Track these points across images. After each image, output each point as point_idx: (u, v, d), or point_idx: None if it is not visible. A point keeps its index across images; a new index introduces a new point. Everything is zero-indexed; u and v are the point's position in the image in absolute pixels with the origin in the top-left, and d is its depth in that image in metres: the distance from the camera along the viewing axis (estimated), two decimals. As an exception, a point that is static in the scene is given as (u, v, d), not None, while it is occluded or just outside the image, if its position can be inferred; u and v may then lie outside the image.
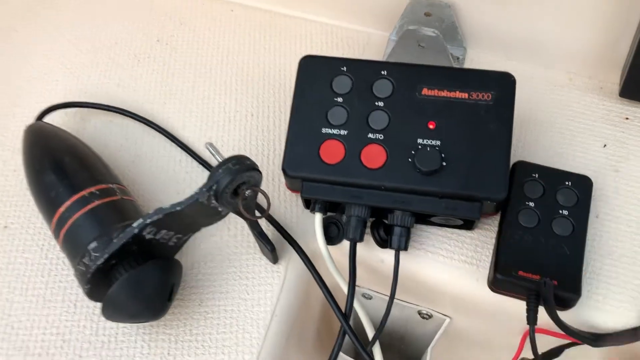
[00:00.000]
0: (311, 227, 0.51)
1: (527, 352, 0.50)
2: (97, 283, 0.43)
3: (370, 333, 0.49)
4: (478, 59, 0.60)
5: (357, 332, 0.45)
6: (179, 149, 0.56)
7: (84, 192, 0.46)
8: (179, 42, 0.64)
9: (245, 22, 0.65)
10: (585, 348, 0.47)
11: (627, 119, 0.55)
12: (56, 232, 0.46)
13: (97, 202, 0.46)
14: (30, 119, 0.59)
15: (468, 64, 0.59)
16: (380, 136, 0.47)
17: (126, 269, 0.43)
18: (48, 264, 0.51)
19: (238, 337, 0.47)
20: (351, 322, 0.46)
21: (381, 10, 0.60)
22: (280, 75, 0.61)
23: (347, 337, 0.46)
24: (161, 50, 0.63)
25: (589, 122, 0.55)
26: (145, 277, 0.43)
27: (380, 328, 0.48)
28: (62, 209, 0.46)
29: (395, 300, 0.56)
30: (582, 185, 0.48)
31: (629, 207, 0.50)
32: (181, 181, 0.55)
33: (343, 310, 0.46)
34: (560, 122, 0.55)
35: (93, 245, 0.44)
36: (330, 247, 0.48)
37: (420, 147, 0.46)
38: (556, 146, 0.54)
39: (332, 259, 0.48)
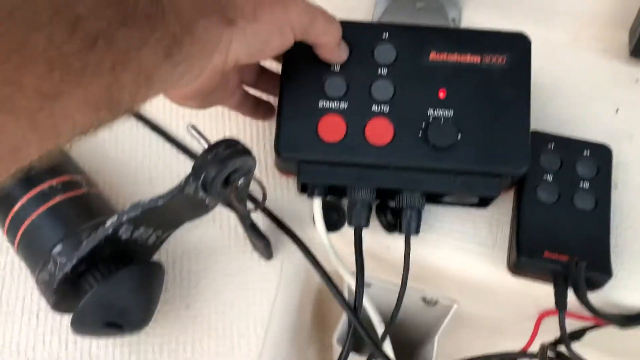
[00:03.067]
0: (306, 212, 0.46)
1: (541, 336, 0.47)
2: (64, 293, 0.37)
3: (377, 325, 0.45)
4: (474, 20, 0.54)
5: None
6: (147, 129, 0.49)
7: (43, 186, 0.39)
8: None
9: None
10: (608, 328, 0.44)
11: (638, 80, 0.51)
12: (11, 236, 0.39)
13: (59, 198, 0.39)
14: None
15: (464, 26, 0.54)
16: (385, 108, 0.41)
17: (97, 277, 0.36)
18: (0, 270, 0.44)
19: (233, 342, 0.42)
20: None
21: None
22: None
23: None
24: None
25: (598, 86, 0.51)
26: (121, 287, 0.37)
27: (390, 323, 0.43)
28: (16, 207, 0.39)
29: (396, 287, 0.51)
30: (601, 155, 0.44)
31: (647, 175, 0.47)
32: (153, 167, 0.48)
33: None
34: (568, 87, 0.51)
35: (58, 249, 0.37)
36: (330, 234, 0.43)
37: (431, 119, 0.41)
38: (565, 113, 0.49)
39: (333, 248, 0.43)
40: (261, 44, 0.35)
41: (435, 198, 0.44)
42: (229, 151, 0.36)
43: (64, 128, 0.24)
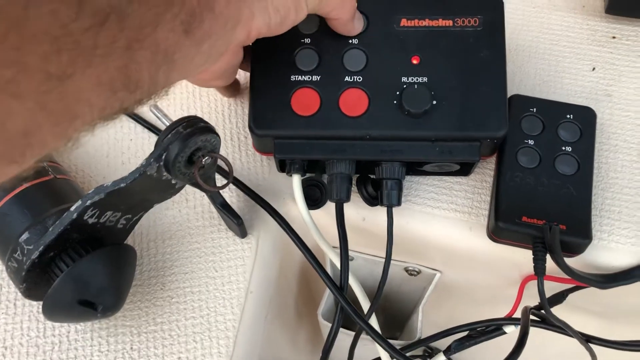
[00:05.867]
0: (282, 189, 0.45)
1: (525, 301, 0.47)
2: (34, 280, 0.37)
3: (362, 300, 0.44)
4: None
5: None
6: (118, 113, 0.49)
7: (8, 175, 0.39)
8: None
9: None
10: (590, 290, 0.43)
11: (614, 37, 0.50)
12: (-21, 224, 0.39)
13: (25, 185, 0.39)
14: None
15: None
16: (358, 78, 0.40)
17: (67, 262, 0.36)
18: (-23, 261, 0.44)
19: (210, 322, 0.42)
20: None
21: None
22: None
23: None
24: None
25: (575, 45, 0.50)
26: (90, 270, 0.36)
27: (376, 298, 0.43)
28: (-18, 196, 0.39)
29: (378, 259, 0.51)
30: (585, 118, 0.43)
31: (626, 133, 0.46)
32: (126, 150, 0.47)
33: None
34: (543, 47, 0.50)
35: (25, 236, 0.37)
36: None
37: (405, 86, 0.40)
38: (542, 73, 0.49)
39: (315, 225, 0.42)
40: (281, 18, 0.34)
41: (416, 168, 0.44)
42: (190, 129, 0.35)
43: (79, 110, 0.23)
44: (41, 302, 0.39)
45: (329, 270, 0.51)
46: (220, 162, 0.37)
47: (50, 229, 0.36)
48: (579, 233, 0.40)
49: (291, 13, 0.35)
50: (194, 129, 0.35)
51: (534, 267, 0.41)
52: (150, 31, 0.24)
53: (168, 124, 0.36)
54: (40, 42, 0.20)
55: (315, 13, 0.37)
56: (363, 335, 0.46)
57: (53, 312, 0.36)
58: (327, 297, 0.54)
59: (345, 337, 0.48)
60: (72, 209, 0.36)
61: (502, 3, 0.42)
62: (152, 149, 0.47)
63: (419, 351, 0.64)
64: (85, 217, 0.36)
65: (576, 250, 0.41)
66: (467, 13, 0.41)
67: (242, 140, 0.47)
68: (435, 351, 0.61)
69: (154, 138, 0.48)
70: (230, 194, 0.45)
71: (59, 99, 0.22)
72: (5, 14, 0.19)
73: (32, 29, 0.20)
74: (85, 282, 0.36)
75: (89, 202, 0.35)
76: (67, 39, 0.21)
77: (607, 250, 0.42)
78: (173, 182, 0.37)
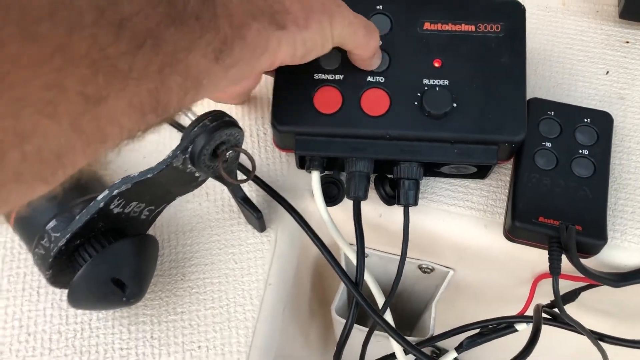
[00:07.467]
0: (300, 185, 0.46)
1: (537, 300, 0.47)
2: (60, 267, 0.38)
3: (377, 296, 0.45)
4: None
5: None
6: (140, 107, 0.49)
7: (35, 164, 0.40)
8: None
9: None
10: (602, 289, 0.44)
11: (627, 42, 0.51)
12: (7, 214, 0.40)
13: (52, 175, 0.40)
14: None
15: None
16: (380, 79, 0.41)
17: (92, 251, 0.37)
18: (0, 248, 0.44)
19: (230, 312, 0.42)
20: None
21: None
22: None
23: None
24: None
25: (589, 49, 0.50)
26: (115, 259, 0.37)
27: (391, 293, 0.44)
28: (10, 185, 0.39)
29: (393, 257, 0.52)
30: (602, 122, 0.44)
31: (639, 136, 0.47)
32: (147, 143, 0.48)
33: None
34: (558, 51, 0.51)
35: (52, 224, 0.38)
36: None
37: (426, 88, 0.41)
38: (556, 76, 0.49)
39: (333, 222, 0.43)
40: (306, 50, 0.35)
41: (433, 170, 0.44)
42: (216, 123, 0.36)
43: (110, 132, 0.23)
44: (65, 290, 0.40)
45: (343, 266, 0.52)
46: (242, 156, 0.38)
47: (77, 217, 0.37)
48: (594, 234, 0.41)
49: (317, 48, 0.35)
50: (219, 123, 0.36)
51: (550, 266, 0.41)
52: (183, 57, 0.24)
53: (194, 118, 0.37)
54: (80, 65, 0.20)
55: (339, 46, 0.37)
56: (376, 332, 0.47)
57: (78, 301, 0.37)
58: (341, 293, 0.54)
59: (357, 333, 0.48)
60: (99, 198, 0.36)
61: (524, 11, 0.42)
62: (172, 144, 0.48)
63: (426, 351, 0.65)
64: (111, 207, 0.37)
65: (591, 251, 0.42)
66: (489, 19, 0.42)
67: (261, 136, 0.48)
68: (443, 351, 0.62)
69: (175, 132, 0.48)
70: (250, 189, 0.46)
71: (93, 121, 0.22)
72: (51, 38, 0.19)
73: (74, 52, 0.20)
74: (109, 272, 0.37)
75: (115, 192, 0.36)
76: (105, 62, 0.21)
77: (620, 249, 0.43)
78: (197, 174, 0.38)
